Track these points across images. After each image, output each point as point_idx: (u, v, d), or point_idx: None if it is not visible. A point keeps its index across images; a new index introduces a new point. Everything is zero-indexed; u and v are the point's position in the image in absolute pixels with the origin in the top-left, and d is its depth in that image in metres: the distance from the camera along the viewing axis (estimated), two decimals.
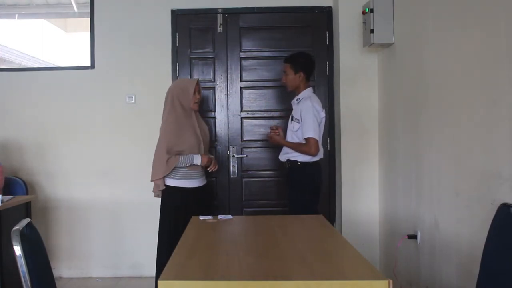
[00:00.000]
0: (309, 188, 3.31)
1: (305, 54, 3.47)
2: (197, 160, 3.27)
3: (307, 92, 3.36)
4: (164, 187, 3.25)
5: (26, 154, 4.15)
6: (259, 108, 4.16)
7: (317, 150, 3.26)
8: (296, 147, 3.29)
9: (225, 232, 2.38)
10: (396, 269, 3.21)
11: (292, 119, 3.38)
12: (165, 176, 3.23)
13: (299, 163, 3.28)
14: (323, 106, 3.40)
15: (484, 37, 2.22)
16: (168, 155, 3.20)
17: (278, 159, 3.47)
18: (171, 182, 3.26)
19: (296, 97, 3.40)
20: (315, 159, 3.30)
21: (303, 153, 3.26)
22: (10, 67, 5.51)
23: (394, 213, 3.48)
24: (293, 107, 3.42)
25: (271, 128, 3.47)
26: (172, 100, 3.30)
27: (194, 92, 3.30)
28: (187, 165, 3.24)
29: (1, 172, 3.58)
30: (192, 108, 3.32)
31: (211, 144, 3.95)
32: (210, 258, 1.80)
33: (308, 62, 3.39)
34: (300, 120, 3.26)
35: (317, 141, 3.24)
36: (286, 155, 3.36)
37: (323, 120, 3.34)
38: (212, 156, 3.45)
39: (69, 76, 4.19)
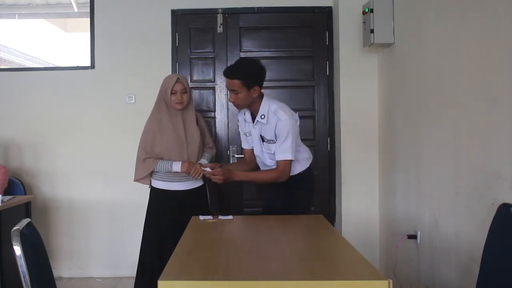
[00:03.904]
0: (311, 193, 3.00)
1: (252, 61, 2.81)
2: (177, 167, 2.98)
3: (267, 103, 2.77)
4: (150, 186, 3.14)
5: (26, 154, 4.15)
6: None
7: (289, 174, 2.76)
8: (262, 177, 2.84)
9: (225, 232, 2.38)
10: (396, 269, 3.20)
11: (263, 140, 2.81)
12: (151, 177, 3.10)
13: (301, 173, 2.88)
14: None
15: (485, 37, 2.22)
16: (146, 155, 3.02)
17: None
18: (154, 183, 3.11)
19: (260, 114, 2.76)
20: (309, 162, 2.94)
21: (271, 180, 2.77)
22: (10, 67, 5.51)
23: (394, 213, 3.48)
24: (257, 126, 2.81)
25: (210, 173, 2.76)
26: (158, 97, 3.12)
27: (176, 92, 3.01)
28: (166, 171, 3.03)
29: (6, 172, 3.59)
30: (175, 108, 3.05)
31: (206, 149, 3.29)
32: (210, 258, 1.79)
33: (260, 71, 2.74)
34: (274, 140, 2.73)
35: (291, 162, 2.75)
36: None
37: (298, 122, 2.85)
38: (197, 164, 3.03)
39: (69, 76, 4.19)
